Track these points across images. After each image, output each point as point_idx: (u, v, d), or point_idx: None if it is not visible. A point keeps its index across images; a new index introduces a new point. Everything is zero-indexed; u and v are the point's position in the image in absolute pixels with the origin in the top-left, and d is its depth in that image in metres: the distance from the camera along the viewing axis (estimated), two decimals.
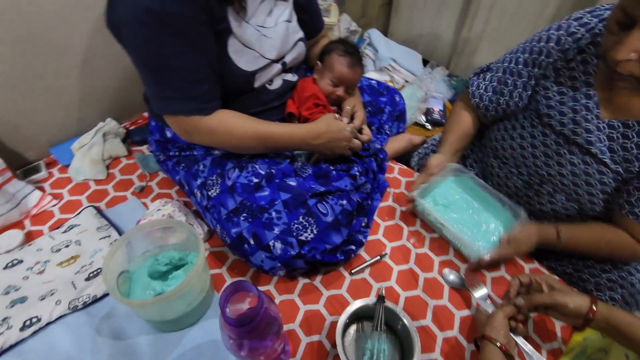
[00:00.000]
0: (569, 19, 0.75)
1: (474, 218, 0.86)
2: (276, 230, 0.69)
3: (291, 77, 0.90)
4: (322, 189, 0.76)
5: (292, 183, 0.76)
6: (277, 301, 0.74)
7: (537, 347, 0.69)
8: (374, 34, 1.88)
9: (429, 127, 1.52)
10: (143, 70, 0.68)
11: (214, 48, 0.69)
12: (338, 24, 1.52)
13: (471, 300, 0.75)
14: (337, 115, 0.83)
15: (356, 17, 1.94)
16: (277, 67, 0.83)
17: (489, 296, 0.74)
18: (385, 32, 2.12)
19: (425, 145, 1.16)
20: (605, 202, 0.74)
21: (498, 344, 0.58)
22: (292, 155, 0.86)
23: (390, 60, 1.79)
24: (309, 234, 0.70)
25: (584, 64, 0.71)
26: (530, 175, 0.82)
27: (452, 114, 0.99)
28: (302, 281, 0.78)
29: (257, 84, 0.80)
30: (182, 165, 0.86)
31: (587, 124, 0.70)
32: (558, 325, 0.73)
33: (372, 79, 1.12)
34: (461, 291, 0.77)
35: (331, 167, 0.83)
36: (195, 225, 0.83)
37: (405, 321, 0.64)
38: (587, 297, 0.60)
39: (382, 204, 0.94)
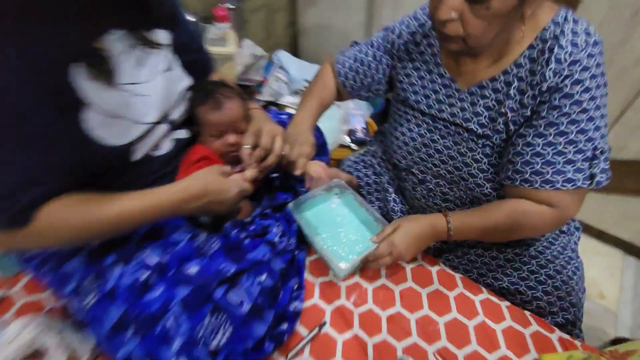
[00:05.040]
0: (417, 8, 0.83)
1: (350, 237, 0.81)
2: (176, 344, 0.53)
3: (184, 133, 0.74)
4: (234, 268, 0.61)
5: (193, 270, 0.60)
6: None
7: None
8: (284, 56, 1.79)
9: (354, 147, 1.46)
10: None
11: (54, 134, 0.52)
12: (240, 51, 1.39)
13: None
14: (225, 169, 0.67)
15: (261, 40, 1.83)
16: (163, 128, 0.67)
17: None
18: (295, 53, 2.04)
19: (342, 167, 1.08)
20: (493, 182, 0.74)
21: None
22: (194, 230, 0.70)
23: (304, 82, 1.71)
24: (222, 337, 0.55)
25: (430, 47, 0.78)
26: (424, 173, 0.82)
27: (317, 78, 0.94)
28: None
29: (137, 157, 0.63)
30: (49, 264, 0.66)
31: (450, 99, 0.75)
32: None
33: (283, 113, 1.01)
34: (414, 346, 0.67)
35: (242, 235, 0.69)
36: (76, 344, 0.63)
37: None
38: None
39: (312, 257, 0.82)
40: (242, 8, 1.51)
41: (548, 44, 0.62)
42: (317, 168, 0.83)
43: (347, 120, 1.53)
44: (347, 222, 0.84)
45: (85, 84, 0.53)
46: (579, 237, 0.86)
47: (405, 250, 0.71)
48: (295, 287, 0.73)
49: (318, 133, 1.03)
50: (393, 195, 0.92)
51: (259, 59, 1.66)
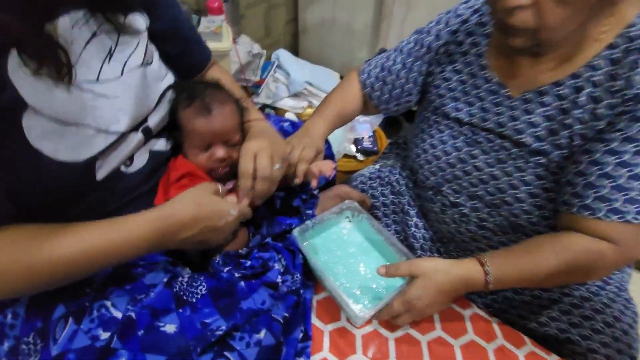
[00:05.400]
0: (458, 4, 0.71)
1: (367, 272, 0.68)
2: None
3: (163, 145, 0.60)
4: (224, 326, 0.47)
5: (170, 328, 0.46)
6: None
7: None
8: (283, 55, 1.65)
9: (361, 157, 1.32)
10: None
11: None
12: (235, 48, 1.25)
13: None
14: (219, 187, 0.54)
15: (259, 37, 1.69)
16: (137, 138, 0.53)
17: None
18: (295, 52, 1.91)
19: (354, 183, 0.94)
20: (544, 209, 0.61)
21: None
22: (174, 268, 0.55)
23: (305, 84, 1.57)
24: None
25: (474, 46, 0.66)
26: (458, 194, 0.69)
27: (339, 86, 0.84)
28: None
29: (102, 174, 0.49)
30: None
31: (498, 108, 0.63)
32: None
33: (284, 120, 0.86)
34: None
35: (237, 275, 0.55)
36: None
37: None
38: None
39: (320, 295, 0.67)
40: (238, 1, 1.37)
41: (637, 44, 0.50)
42: (324, 167, 0.69)
43: (352, 127, 1.40)
44: (363, 253, 0.71)
45: (27, 80, 0.39)
46: (631, 275, 0.74)
47: (426, 308, 0.58)
48: (301, 337, 0.59)
49: (326, 144, 0.89)
50: (415, 219, 0.78)
51: (256, 57, 1.52)
